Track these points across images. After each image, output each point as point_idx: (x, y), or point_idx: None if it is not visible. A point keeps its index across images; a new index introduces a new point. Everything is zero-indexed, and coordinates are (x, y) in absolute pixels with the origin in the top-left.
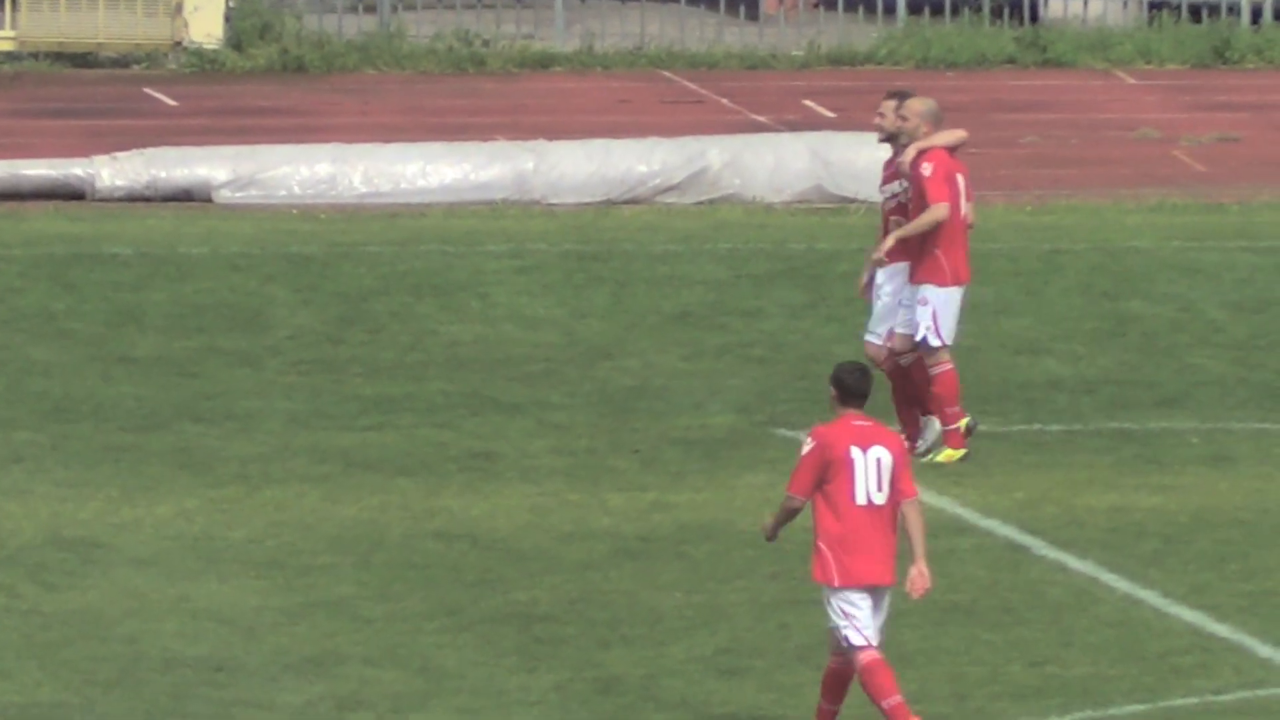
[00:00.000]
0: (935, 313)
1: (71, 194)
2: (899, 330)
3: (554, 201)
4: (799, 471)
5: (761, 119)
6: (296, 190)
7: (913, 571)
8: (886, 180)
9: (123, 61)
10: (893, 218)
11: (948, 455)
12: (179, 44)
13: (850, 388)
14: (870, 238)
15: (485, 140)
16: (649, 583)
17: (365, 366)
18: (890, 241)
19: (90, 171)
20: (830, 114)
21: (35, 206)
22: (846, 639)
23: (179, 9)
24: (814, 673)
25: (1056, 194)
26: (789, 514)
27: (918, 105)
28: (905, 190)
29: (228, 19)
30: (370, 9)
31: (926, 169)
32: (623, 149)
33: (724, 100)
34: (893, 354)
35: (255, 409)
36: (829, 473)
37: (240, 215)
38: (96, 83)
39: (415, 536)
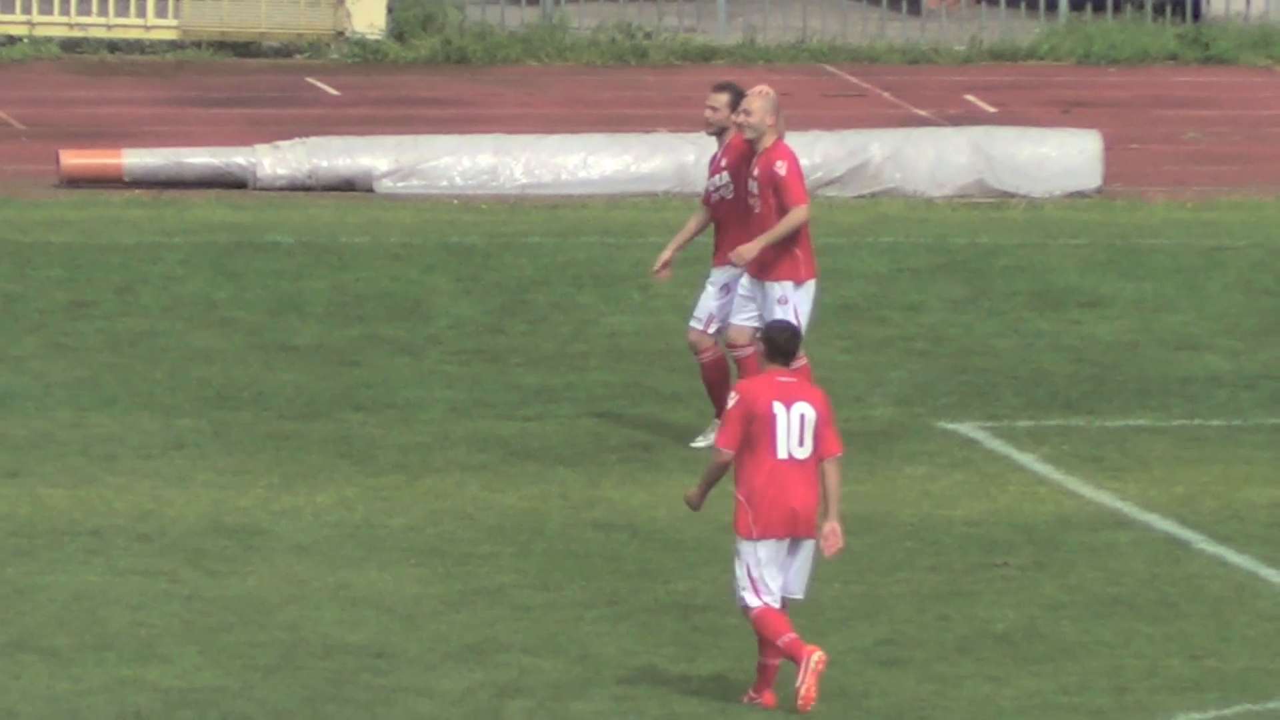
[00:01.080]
0: (796, 309)
1: (233, 183)
2: (740, 323)
3: None
4: (724, 426)
5: (923, 113)
6: (458, 181)
7: (825, 528)
8: (713, 173)
9: (285, 51)
10: (721, 210)
11: None
12: (341, 34)
13: (777, 345)
14: (1032, 232)
15: (647, 132)
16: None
17: (526, 357)
18: (757, 246)
19: (252, 160)
20: (991, 109)
21: (198, 195)
22: (742, 599)
23: (342, 0)
24: (975, 664)
25: (1218, 190)
26: (718, 469)
27: (762, 102)
28: (727, 185)
29: (390, 9)
30: (533, 1)
31: (781, 167)
32: None
33: (885, 94)
34: (730, 345)
35: (415, 398)
36: (753, 427)
37: (401, 205)
38: (259, 72)
39: (575, 526)
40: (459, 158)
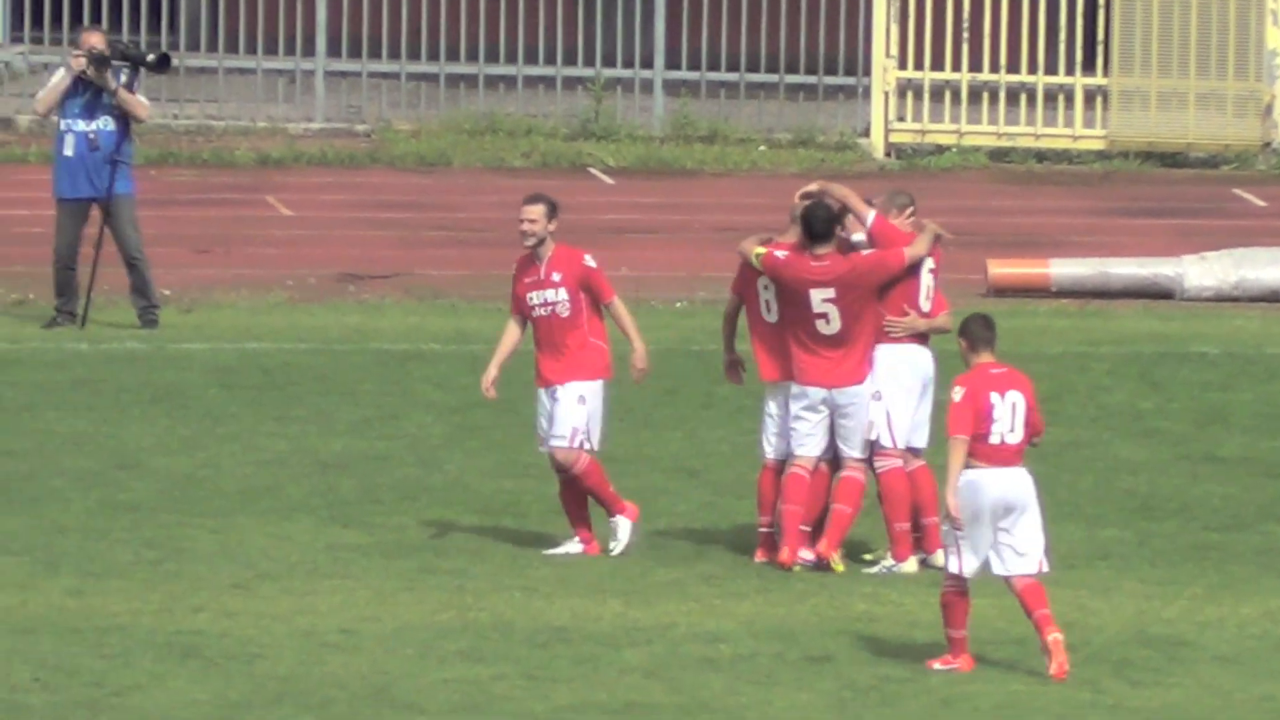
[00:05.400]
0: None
1: (1160, 293)
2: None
3: None
4: (958, 416)
5: None
6: None
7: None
8: (538, 288)
9: (1211, 162)
10: (544, 325)
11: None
12: (1268, 145)
13: (977, 335)
14: None
15: None
16: None
17: None
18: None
19: (1178, 271)
20: None
21: (1124, 305)
22: (946, 565)
23: (1269, 110)
24: None
25: None
26: (960, 458)
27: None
28: (564, 301)
29: None
30: None
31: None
32: None
33: None
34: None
35: None
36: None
37: None
38: (1185, 183)
39: None
40: None
